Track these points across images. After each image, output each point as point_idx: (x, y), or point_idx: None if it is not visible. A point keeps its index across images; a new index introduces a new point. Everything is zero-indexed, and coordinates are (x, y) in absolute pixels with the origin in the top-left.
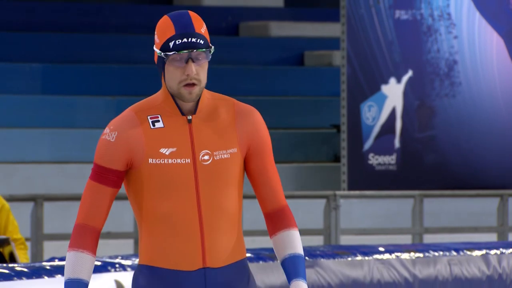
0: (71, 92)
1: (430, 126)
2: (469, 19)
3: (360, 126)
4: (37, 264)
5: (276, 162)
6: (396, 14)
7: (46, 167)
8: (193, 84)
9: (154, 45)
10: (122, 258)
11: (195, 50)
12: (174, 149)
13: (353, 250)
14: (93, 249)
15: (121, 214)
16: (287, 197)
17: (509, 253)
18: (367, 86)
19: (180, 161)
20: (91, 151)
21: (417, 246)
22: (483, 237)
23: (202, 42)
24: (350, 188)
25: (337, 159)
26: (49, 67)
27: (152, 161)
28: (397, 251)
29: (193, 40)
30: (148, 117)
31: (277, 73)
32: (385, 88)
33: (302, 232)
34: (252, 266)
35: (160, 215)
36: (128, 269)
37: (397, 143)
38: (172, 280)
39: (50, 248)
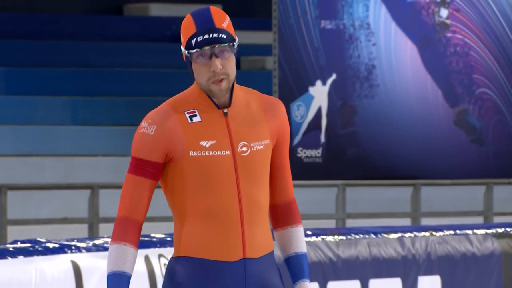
0: (32, 92)
1: (352, 123)
2: (386, 28)
3: (290, 123)
4: (1, 246)
5: None
6: (321, 24)
7: (9, 160)
8: (221, 80)
9: (181, 45)
10: (77, 241)
11: (217, 46)
12: (214, 142)
13: None
14: (135, 242)
15: (77, 202)
16: None
17: (421, 236)
18: (296, 87)
19: (221, 153)
20: (50, 145)
21: (340, 230)
22: (399, 222)
23: (224, 36)
24: None
25: None
26: (12, 71)
27: (193, 153)
28: (323, 234)
29: (214, 35)
30: (185, 112)
31: None
32: (312, 90)
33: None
34: None
35: (202, 207)
36: (83, 250)
37: (322, 138)
38: (214, 270)
39: (12, 232)
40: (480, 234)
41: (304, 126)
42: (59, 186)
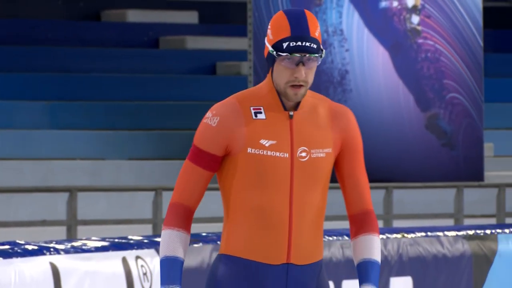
0: (11, 97)
1: None
2: (359, 34)
3: None
4: None
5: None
6: None
7: None
8: (300, 86)
9: (266, 39)
10: (56, 243)
11: (307, 55)
12: (274, 142)
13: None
14: (187, 228)
15: (55, 204)
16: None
17: (393, 238)
18: None
19: (279, 154)
20: (29, 149)
21: None
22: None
23: (315, 46)
24: None
25: None
26: None
27: (251, 150)
28: None
29: (307, 44)
30: (251, 108)
31: (192, 81)
32: None
33: (215, 220)
34: None
35: (252, 206)
36: (62, 252)
37: None
38: (255, 272)
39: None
40: (451, 236)
41: None
42: (38, 189)
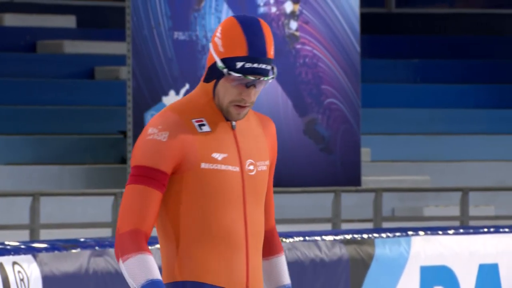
0: None
1: None
2: None
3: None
4: None
5: (70, 164)
6: (174, 35)
7: None
8: (245, 107)
9: (213, 47)
10: None
11: (262, 78)
12: (225, 155)
13: None
14: (151, 253)
15: None
16: (80, 194)
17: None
18: (150, 97)
19: (232, 168)
20: None
21: None
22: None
23: (271, 69)
24: None
25: (124, 161)
26: None
27: (205, 166)
28: None
29: (263, 67)
30: (193, 120)
31: (70, 86)
32: (165, 99)
33: (93, 225)
34: (48, 256)
35: (207, 226)
36: None
37: None
38: None
39: None
40: (329, 240)
41: None
42: None
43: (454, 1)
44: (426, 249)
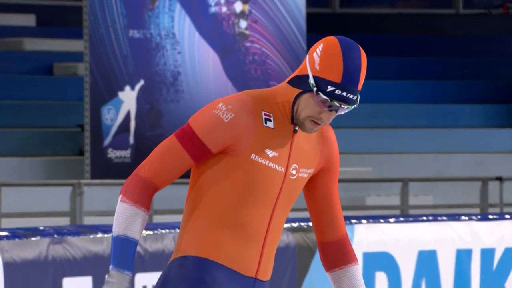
0: None
1: (159, 126)
2: (190, 38)
3: (101, 125)
4: None
5: (30, 156)
6: (130, 33)
7: None
8: (319, 124)
9: (309, 61)
10: None
11: (346, 106)
12: (276, 154)
13: (94, 229)
14: (149, 208)
15: None
16: (39, 185)
17: None
18: (107, 92)
19: (278, 167)
20: None
21: (148, 225)
22: None
23: (356, 100)
24: (93, 177)
25: (81, 153)
26: None
27: (255, 157)
28: None
29: (351, 97)
30: (262, 112)
31: (30, 81)
32: (121, 94)
33: (52, 214)
34: (9, 243)
35: (236, 212)
36: None
37: (131, 139)
38: (226, 277)
39: None
40: None
41: (114, 128)
42: None
43: (395, 2)
44: (369, 236)
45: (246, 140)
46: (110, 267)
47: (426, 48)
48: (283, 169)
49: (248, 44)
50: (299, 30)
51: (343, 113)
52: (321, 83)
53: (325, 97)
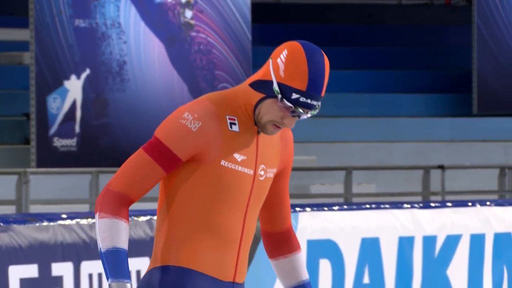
0: None
1: (105, 114)
2: (136, 27)
3: (46, 114)
4: None
5: None
6: (76, 23)
7: None
8: (281, 128)
9: (273, 67)
10: None
11: (309, 112)
12: (244, 157)
13: (40, 217)
14: (128, 220)
15: None
16: None
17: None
18: (52, 81)
19: (247, 171)
20: None
21: (92, 214)
22: (149, 206)
23: (319, 105)
24: (39, 166)
25: (27, 142)
26: None
27: (224, 163)
28: (78, 218)
29: (315, 103)
30: (227, 116)
31: None
32: (67, 83)
33: None
34: None
35: (210, 219)
36: None
37: (77, 128)
38: (206, 284)
39: None
40: None
41: (60, 117)
42: None
43: None
44: (313, 224)
45: (215, 147)
46: (109, 280)
47: (369, 38)
48: (252, 172)
49: (193, 33)
50: (244, 20)
51: (305, 117)
52: (286, 90)
53: (289, 104)
